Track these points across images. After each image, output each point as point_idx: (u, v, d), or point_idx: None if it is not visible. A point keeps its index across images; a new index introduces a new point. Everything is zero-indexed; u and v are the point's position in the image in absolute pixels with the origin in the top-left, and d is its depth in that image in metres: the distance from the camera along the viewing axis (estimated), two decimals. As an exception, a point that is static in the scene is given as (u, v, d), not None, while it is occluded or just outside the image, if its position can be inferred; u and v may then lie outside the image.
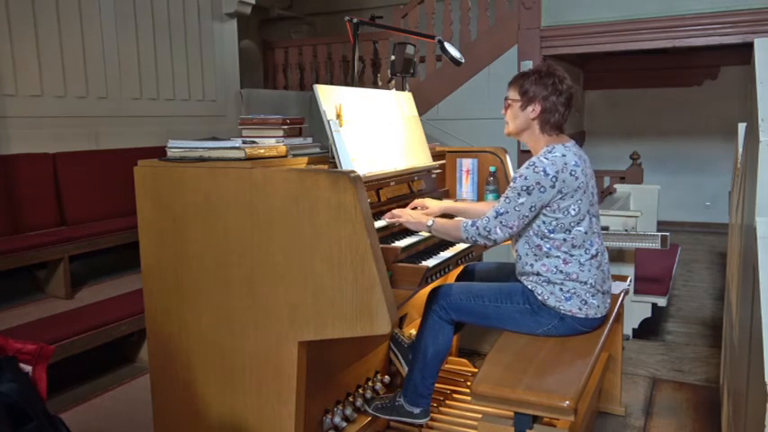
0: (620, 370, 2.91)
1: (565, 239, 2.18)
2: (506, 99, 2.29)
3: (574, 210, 2.16)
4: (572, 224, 2.17)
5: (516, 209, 2.14)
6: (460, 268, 2.65)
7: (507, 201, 2.15)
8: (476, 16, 6.35)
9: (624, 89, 8.16)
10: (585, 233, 2.20)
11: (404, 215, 2.33)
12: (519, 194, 2.13)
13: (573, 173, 2.15)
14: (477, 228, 2.19)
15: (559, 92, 2.20)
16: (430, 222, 2.30)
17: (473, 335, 3.62)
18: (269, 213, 1.91)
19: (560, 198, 2.14)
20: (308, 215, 1.84)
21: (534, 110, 2.22)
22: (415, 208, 2.52)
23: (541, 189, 2.12)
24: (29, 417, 1.32)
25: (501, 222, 2.16)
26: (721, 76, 7.63)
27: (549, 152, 2.17)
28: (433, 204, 2.55)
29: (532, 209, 2.14)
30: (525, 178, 2.13)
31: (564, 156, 2.16)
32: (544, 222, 2.18)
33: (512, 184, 2.17)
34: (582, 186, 2.17)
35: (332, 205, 1.80)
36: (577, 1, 5.70)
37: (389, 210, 2.39)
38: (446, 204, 2.60)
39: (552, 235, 2.18)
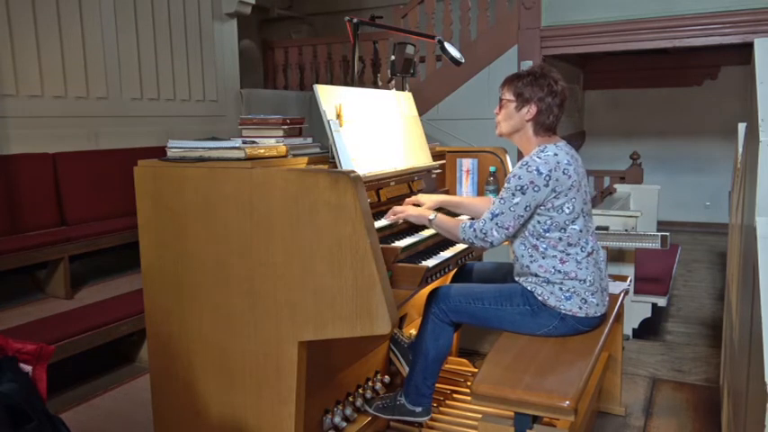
0: (620, 370, 2.91)
1: (560, 238, 2.18)
2: (501, 99, 2.29)
3: (568, 208, 2.16)
4: (567, 222, 2.17)
5: (511, 209, 2.14)
6: (460, 268, 2.65)
7: (502, 201, 2.16)
8: (476, 16, 6.35)
9: (624, 89, 8.17)
10: (580, 231, 2.20)
11: (405, 210, 2.34)
12: (513, 195, 2.13)
13: (566, 171, 2.15)
14: (474, 230, 2.19)
15: (554, 93, 2.20)
16: (432, 216, 2.31)
17: (473, 335, 3.62)
18: (269, 213, 1.91)
19: (554, 197, 2.14)
20: (308, 215, 1.84)
21: (530, 111, 2.22)
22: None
23: (535, 188, 2.12)
24: (29, 417, 1.32)
25: (497, 224, 2.16)
26: (721, 76, 7.64)
27: (542, 151, 2.18)
28: (427, 199, 2.53)
29: (527, 208, 2.14)
30: (519, 178, 2.13)
31: (556, 155, 2.16)
32: (539, 222, 2.18)
33: (506, 184, 2.17)
34: (575, 185, 2.17)
35: (332, 205, 1.80)
36: (577, 1, 5.70)
37: (389, 210, 2.39)
38: (441, 198, 2.59)
39: (548, 234, 2.18)
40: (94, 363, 3.46)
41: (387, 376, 2.67)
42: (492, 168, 2.94)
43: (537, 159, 2.15)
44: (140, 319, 3.09)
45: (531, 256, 2.22)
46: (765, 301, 1.49)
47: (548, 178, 2.12)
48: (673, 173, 7.85)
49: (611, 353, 2.86)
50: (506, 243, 2.38)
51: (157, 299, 2.20)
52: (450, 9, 6.31)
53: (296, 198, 1.86)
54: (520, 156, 2.31)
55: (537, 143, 2.24)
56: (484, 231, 2.18)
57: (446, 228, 2.30)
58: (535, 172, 2.12)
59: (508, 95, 2.26)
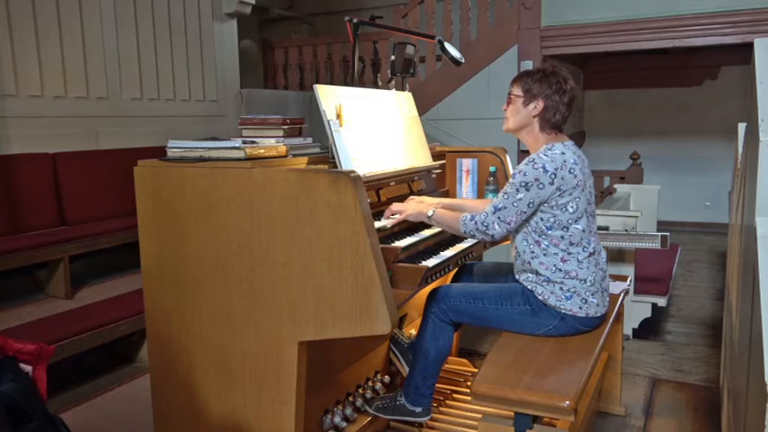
0: (620, 370, 2.91)
1: (563, 237, 2.18)
2: (509, 94, 2.29)
3: (572, 207, 2.17)
4: (570, 221, 2.17)
5: (514, 204, 2.14)
6: (460, 267, 2.64)
7: (506, 196, 2.16)
8: (476, 16, 6.35)
9: (624, 89, 8.16)
10: (583, 231, 2.20)
11: (405, 209, 2.34)
12: (517, 190, 2.14)
13: (572, 170, 2.15)
14: (476, 222, 2.20)
15: (563, 91, 2.21)
16: (431, 213, 2.31)
17: (473, 335, 3.62)
18: (269, 213, 1.91)
19: (558, 195, 2.15)
20: (308, 215, 1.84)
21: (536, 107, 2.22)
22: None
23: (540, 185, 2.12)
24: (29, 417, 1.32)
25: (499, 218, 2.16)
26: (721, 76, 7.63)
27: (549, 149, 2.18)
28: (430, 201, 2.54)
29: (530, 205, 2.14)
30: (524, 174, 2.13)
31: (563, 153, 2.17)
32: (542, 219, 2.19)
33: (511, 179, 2.17)
34: (580, 184, 2.17)
35: (332, 205, 1.80)
36: (577, 1, 5.70)
37: (387, 208, 2.39)
38: (441, 202, 2.59)
39: (550, 232, 2.19)
40: (94, 363, 3.46)
41: (387, 376, 2.67)
42: (492, 168, 2.94)
43: (544, 157, 2.15)
44: (140, 319, 3.09)
45: (533, 252, 2.22)
46: (765, 301, 1.49)
47: (553, 176, 2.12)
48: (673, 173, 7.84)
49: (611, 353, 2.86)
50: (507, 242, 2.38)
51: (157, 299, 2.20)
52: (450, 9, 6.30)
53: (296, 198, 1.86)
54: (520, 156, 2.31)
55: (544, 141, 2.24)
56: (485, 224, 2.18)
57: (446, 221, 2.30)
58: (541, 169, 2.12)
59: (517, 91, 2.27)
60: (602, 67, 7.94)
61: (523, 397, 1.85)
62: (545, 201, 2.15)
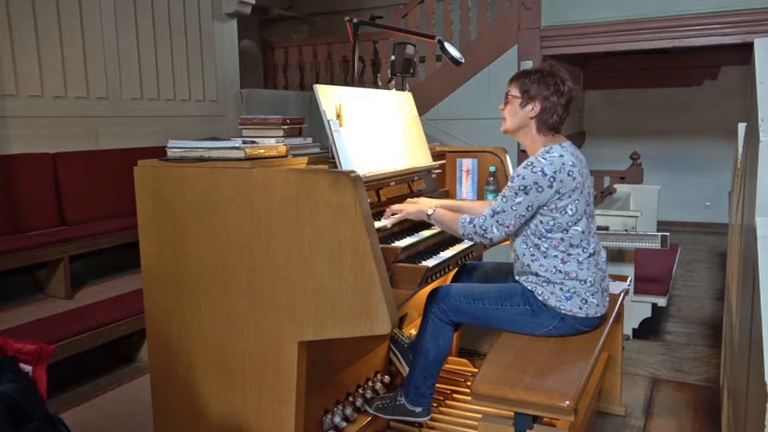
0: (620, 370, 2.91)
1: (562, 239, 2.18)
2: (507, 94, 2.29)
3: (571, 210, 2.16)
4: (569, 224, 2.17)
5: (513, 208, 2.14)
6: (460, 267, 2.64)
7: (504, 200, 2.16)
8: (476, 16, 6.35)
9: (624, 89, 8.16)
10: (583, 232, 2.20)
11: (404, 208, 2.34)
12: (516, 194, 2.13)
13: (570, 173, 2.15)
14: (474, 225, 2.20)
15: (560, 93, 2.20)
16: (431, 211, 2.31)
17: (473, 335, 3.62)
18: (269, 213, 1.91)
19: (558, 198, 2.14)
20: (308, 215, 1.84)
21: (534, 109, 2.22)
22: None
23: (539, 189, 2.12)
24: (29, 417, 1.32)
25: (497, 221, 2.16)
26: (721, 76, 7.63)
27: (547, 152, 2.18)
28: (428, 201, 2.53)
29: (529, 208, 2.14)
30: (523, 178, 2.13)
31: (561, 156, 2.16)
32: (542, 222, 2.18)
33: (509, 183, 2.17)
34: (579, 186, 2.17)
35: (332, 205, 1.80)
36: (577, 1, 5.70)
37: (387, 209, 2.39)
38: (441, 203, 2.59)
39: (550, 234, 2.18)
40: (94, 363, 3.46)
41: (387, 376, 2.67)
42: (492, 168, 2.94)
43: (542, 160, 2.14)
44: (140, 319, 3.09)
45: (533, 255, 2.22)
46: (765, 301, 1.49)
47: (552, 180, 2.12)
48: (673, 173, 7.84)
49: (611, 353, 2.86)
50: (507, 242, 2.38)
51: (157, 299, 2.20)
52: (450, 9, 6.30)
53: (296, 198, 1.86)
54: (520, 156, 2.31)
55: (542, 142, 2.24)
56: (484, 228, 2.18)
57: (445, 222, 2.30)
58: (540, 173, 2.12)
59: (514, 91, 2.26)
60: (602, 67, 7.94)
61: (523, 397, 1.85)
62: (544, 204, 2.15)
